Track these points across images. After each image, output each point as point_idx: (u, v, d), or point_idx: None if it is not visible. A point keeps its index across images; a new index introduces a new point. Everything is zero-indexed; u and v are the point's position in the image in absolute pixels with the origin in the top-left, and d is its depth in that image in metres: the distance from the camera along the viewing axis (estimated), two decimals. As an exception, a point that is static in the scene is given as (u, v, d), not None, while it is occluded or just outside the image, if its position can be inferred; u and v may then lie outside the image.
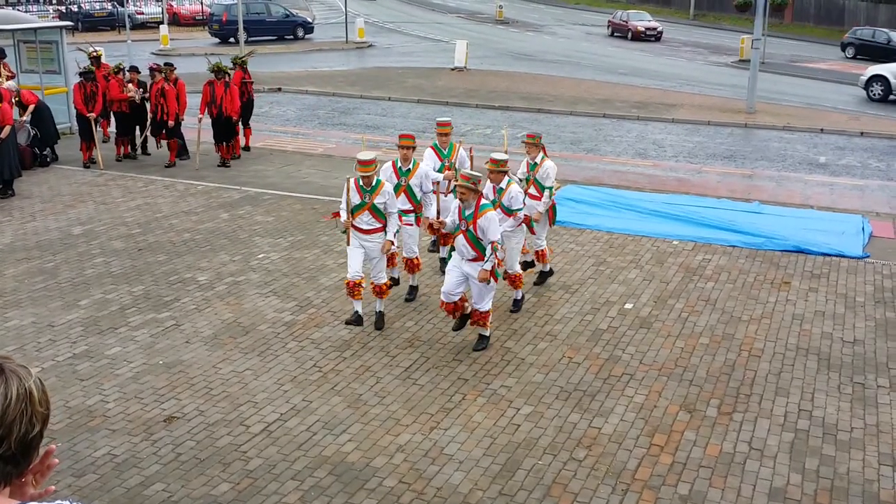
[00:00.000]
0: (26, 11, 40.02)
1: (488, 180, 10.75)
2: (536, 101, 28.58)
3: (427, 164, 11.85)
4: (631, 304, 11.42)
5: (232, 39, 41.26)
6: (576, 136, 23.73)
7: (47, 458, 2.33)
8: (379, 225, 10.43)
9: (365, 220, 10.39)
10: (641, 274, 12.54)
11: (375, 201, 10.31)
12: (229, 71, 18.80)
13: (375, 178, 10.38)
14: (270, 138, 22.59)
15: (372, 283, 10.64)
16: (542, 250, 11.87)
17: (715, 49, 45.28)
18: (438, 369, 9.53)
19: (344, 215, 10.46)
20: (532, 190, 11.62)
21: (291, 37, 46.41)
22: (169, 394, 8.95)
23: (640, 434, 8.27)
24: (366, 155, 10.33)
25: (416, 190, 11.41)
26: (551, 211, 11.80)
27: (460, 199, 9.79)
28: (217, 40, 43.54)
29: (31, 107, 18.28)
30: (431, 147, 12.19)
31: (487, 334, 10.12)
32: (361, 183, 10.32)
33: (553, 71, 36.10)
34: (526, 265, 11.82)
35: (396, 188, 11.11)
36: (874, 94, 30.68)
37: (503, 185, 10.76)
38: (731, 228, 14.56)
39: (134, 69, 19.35)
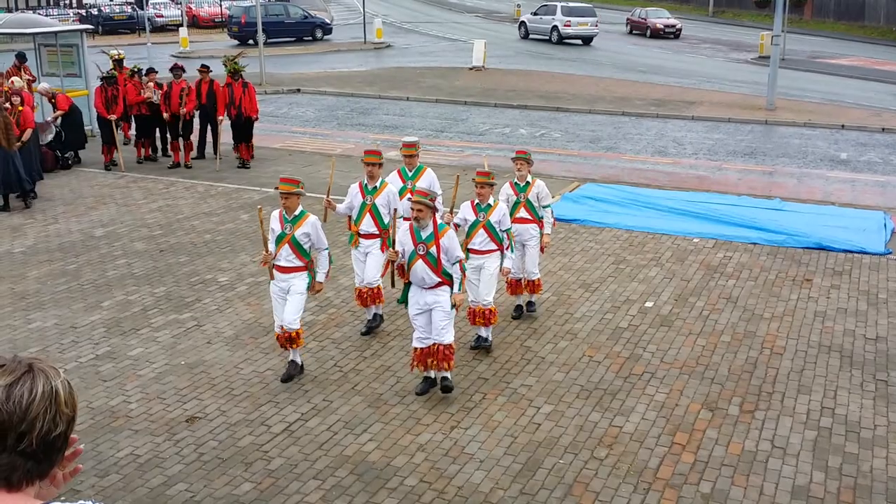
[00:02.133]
0: (47, 15, 40.29)
1: (475, 196, 9.91)
2: (555, 99, 28.53)
3: (391, 188, 10.41)
4: (651, 303, 11.39)
5: (251, 41, 41.36)
6: (595, 135, 23.67)
7: (74, 458, 2.34)
8: (300, 264, 9.10)
9: (283, 256, 9.07)
10: (662, 272, 12.50)
11: (296, 234, 9.00)
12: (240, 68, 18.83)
13: (300, 206, 9.12)
14: (290, 139, 22.66)
15: (282, 331, 9.16)
16: (537, 280, 10.84)
17: (734, 45, 45.06)
18: (458, 368, 9.52)
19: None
20: (523, 213, 10.55)
21: (310, 38, 46.57)
22: (191, 394, 8.99)
23: (662, 432, 8.24)
24: (289, 176, 9.35)
25: (383, 211, 10.12)
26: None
27: (414, 219, 8.65)
28: (236, 42, 43.69)
29: (60, 113, 18.47)
30: (398, 170, 10.91)
31: (450, 377, 8.95)
32: (284, 212, 9.09)
33: (571, 69, 36.03)
34: (518, 309, 10.98)
35: (361, 208, 10.15)
36: None
37: (490, 202, 9.83)
38: (751, 226, 14.49)
39: (152, 71, 19.46)
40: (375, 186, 10.19)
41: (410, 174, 10.78)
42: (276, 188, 9.15)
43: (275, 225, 9.12)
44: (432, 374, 9.00)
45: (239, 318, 10.91)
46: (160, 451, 7.94)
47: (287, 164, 19.29)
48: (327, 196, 10.58)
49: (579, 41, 44.94)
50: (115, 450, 7.95)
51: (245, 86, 18.51)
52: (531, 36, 46.39)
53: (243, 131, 18.83)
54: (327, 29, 47.43)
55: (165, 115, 18.60)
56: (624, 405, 8.76)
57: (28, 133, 16.13)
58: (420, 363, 8.92)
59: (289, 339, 9.14)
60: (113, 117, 18.26)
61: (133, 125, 19.74)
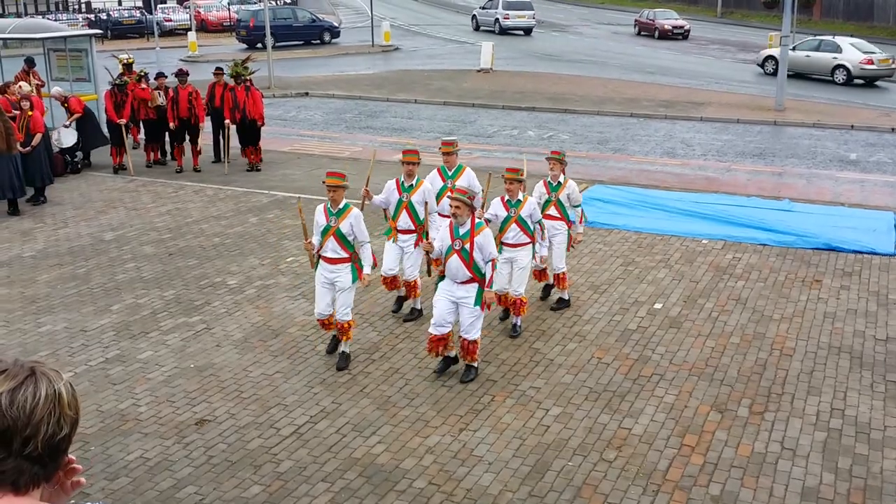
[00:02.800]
0: (56, 20, 40.46)
1: (503, 193, 10.27)
2: (563, 101, 28.52)
3: (427, 185, 10.88)
4: (660, 304, 11.37)
5: (259, 45, 41.70)
6: (603, 136, 23.65)
7: (70, 466, 2.33)
8: (345, 255, 9.45)
9: (330, 247, 9.44)
10: (671, 273, 12.48)
11: (340, 226, 9.35)
12: (247, 75, 18.86)
13: (344, 199, 9.50)
14: (298, 142, 22.70)
15: (335, 322, 9.68)
16: (563, 274, 11.18)
17: (743, 46, 44.96)
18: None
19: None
20: (552, 211, 11.01)
21: (318, 41, 46.66)
22: (200, 397, 9.01)
23: (671, 434, 8.23)
24: (336, 169, 9.73)
25: (419, 208, 10.57)
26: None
27: (453, 216, 9.09)
28: (244, 46, 43.80)
29: (76, 116, 18.58)
30: (437, 169, 11.37)
31: (476, 366, 9.40)
32: (329, 204, 9.48)
33: (579, 71, 36.00)
34: (546, 289, 11.56)
35: (398, 205, 10.58)
36: None
37: (520, 197, 10.19)
38: (761, 227, 14.46)
39: (160, 75, 19.52)
40: (412, 184, 10.62)
41: (451, 173, 11.18)
42: (324, 182, 9.50)
43: (320, 218, 9.48)
44: (453, 353, 9.44)
45: (248, 321, 10.93)
46: (169, 454, 7.96)
47: (295, 167, 19.34)
48: (366, 186, 10.83)
49: (521, 32, 50.03)
50: (124, 453, 7.98)
51: (248, 90, 18.53)
52: (481, 28, 51.66)
53: (249, 135, 18.87)
54: (335, 32, 47.46)
55: (172, 124, 18.61)
56: (633, 407, 8.75)
57: (38, 138, 16.19)
58: (433, 350, 9.32)
59: (341, 331, 9.60)
60: (122, 121, 18.34)
61: (142, 129, 19.79)
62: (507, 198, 10.20)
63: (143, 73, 19.49)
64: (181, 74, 18.76)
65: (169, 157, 19.68)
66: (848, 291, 11.79)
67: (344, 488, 7.42)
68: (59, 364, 9.67)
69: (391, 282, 10.94)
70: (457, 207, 8.96)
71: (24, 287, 12.18)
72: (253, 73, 19.24)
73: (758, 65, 31.29)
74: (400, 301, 11.21)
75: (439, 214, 10.89)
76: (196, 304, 11.49)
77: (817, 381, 9.25)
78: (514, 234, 10.20)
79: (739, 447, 8.00)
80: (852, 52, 33.13)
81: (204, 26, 52.29)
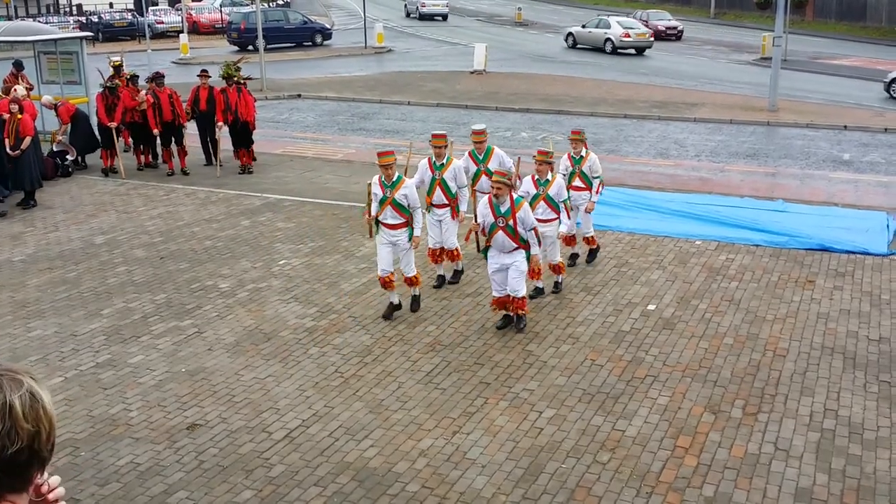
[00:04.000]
0: (47, 23, 40.34)
1: (533, 172, 11.41)
2: (557, 102, 28.51)
3: (457, 163, 12.19)
4: (654, 305, 11.35)
5: (251, 47, 41.71)
6: (596, 137, 23.60)
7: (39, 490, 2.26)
8: (403, 220, 10.76)
9: (389, 214, 10.73)
10: (664, 275, 12.46)
11: (396, 196, 10.62)
12: (238, 75, 18.83)
13: (396, 173, 10.75)
14: (291, 144, 22.64)
15: (404, 277, 11.10)
16: (592, 237, 12.77)
17: (736, 47, 45.02)
18: (460, 373, 9.50)
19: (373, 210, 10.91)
20: (577, 182, 12.43)
21: (310, 43, 46.61)
22: (192, 401, 8.96)
23: (665, 436, 8.20)
24: (385, 150, 10.96)
25: (451, 184, 11.79)
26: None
27: (495, 196, 10.22)
28: (236, 48, 43.73)
29: (65, 127, 18.57)
30: (469, 153, 12.64)
31: (524, 316, 10.62)
32: (383, 178, 10.71)
33: (573, 72, 36.01)
34: (573, 256, 12.77)
35: (432, 183, 11.79)
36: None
37: (549, 177, 11.32)
38: (754, 227, 14.44)
39: (152, 78, 19.45)
40: (443, 163, 11.80)
41: (481, 157, 12.50)
42: (377, 163, 10.70)
43: (376, 190, 10.78)
44: (510, 313, 10.64)
45: (240, 325, 10.88)
46: (161, 459, 7.91)
47: (288, 169, 19.29)
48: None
49: (440, 18, 57.71)
50: (115, 458, 7.92)
51: (240, 91, 18.48)
52: (410, 15, 59.74)
53: (241, 137, 18.82)
54: (327, 34, 47.38)
55: (156, 131, 18.56)
56: (626, 409, 8.72)
57: (27, 141, 16.12)
58: (498, 307, 10.64)
59: (410, 283, 11.13)
60: (112, 124, 18.29)
61: (130, 133, 19.71)
62: (537, 177, 11.36)
63: (133, 76, 19.42)
64: (158, 77, 18.69)
65: (160, 159, 19.62)
66: (841, 292, 11.78)
67: (336, 492, 7.38)
68: (50, 369, 9.63)
69: (439, 254, 11.96)
70: (498, 188, 10.14)
71: (14, 291, 12.11)
72: (247, 78, 19.16)
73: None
74: (440, 279, 12.16)
75: (480, 192, 12.02)
76: (187, 308, 11.44)
77: (810, 382, 9.23)
78: (542, 210, 11.27)
79: (733, 448, 7.98)
80: (616, 28, 42.67)
81: (196, 28, 52.18)
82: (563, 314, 11.13)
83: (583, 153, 12.47)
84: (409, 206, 10.74)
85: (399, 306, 11.10)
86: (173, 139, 18.91)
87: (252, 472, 7.69)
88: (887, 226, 14.53)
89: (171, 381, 9.40)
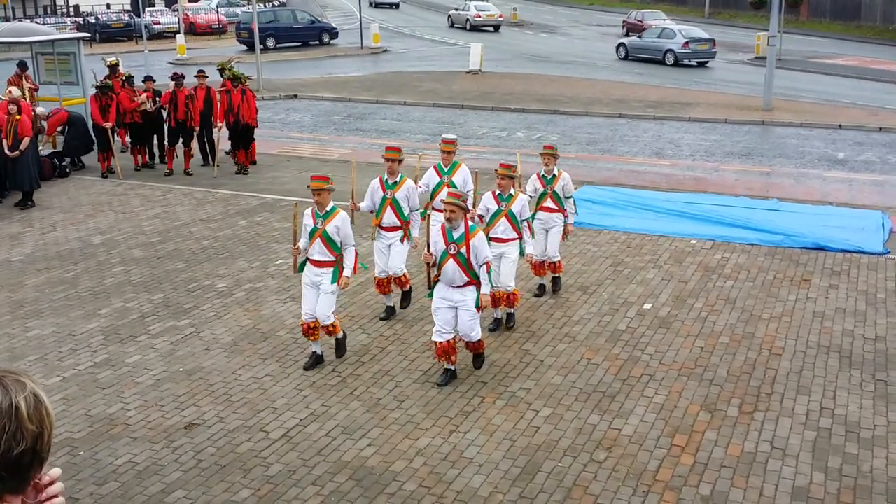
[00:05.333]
0: (44, 24, 40.30)
1: (494, 188, 10.39)
2: (552, 102, 28.54)
3: (424, 181, 11.38)
4: (650, 305, 11.38)
5: (260, 46, 42.14)
6: (592, 137, 23.67)
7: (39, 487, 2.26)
8: (331, 258, 9.47)
9: (317, 249, 9.48)
10: (660, 274, 12.50)
11: (327, 228, 9.39)
12: (244, 78, 18.87)
13: (331, 203, 9.50)
14: (287, 145, 22.66)
15: (320, 325, 9.60)
16: (558, 262, 11.61)
17: (731, 47, 45.02)
18: (457, 372, 9.51)
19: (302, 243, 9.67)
20: (549, 202, 11.33)
21: (317, 42, 47.27)
22: (189, 401, 8.98)
23: (661, 435, 8.23)
24: (321, 173, 9.74)
25: (404, 204, 10.69)
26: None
27: (447, 220, 9.01)
28: (245, 48, 43.90)
29: (57, 128, 18.66)
30: (434, 166, 11.51)
31: (483, 354, 9.66)
32: (316, 208, 9.49)
33: (568, 72, 36.05)
34: (541, 288, 11.72)
35: (382, 202, 10.67)
36: None
37: (511, 192, 10.31)
38: (749, 226, 14.48)
39: (149, 79, 19.45)
40: (395, 181, 10.71)
41: (447, 169, 11.34)
42: (308, 186, 9.56)
43: (307, 220, 9.53)
44: (453, 367, 9.38)
45: (237, 325, 10.90)
46: (158, 459, 7.93)
47: (284, 169, 19.30)
48: (352, 198, 11.04)
49: (391, 6, 61.59)
50: (113, 457, 7.94)
51: (244, 93, 18.49)
52: (372, 4, 61.86)
53: (242, 138, 18.82)
54: (334, 33, 48.06)
55: (170, 122, 18.60)
56: (623, 407, 8.75)
57: (26, 142, 16.13)
58: (442, 356, 9.26)
59: (327, 332, 9.65)
60: (108, 125, 18.28)
61: (128, 133, 19.71)
62: (498, 192, 10.32)
63: (128, 76, 19.41)
64: (177, 78, 18.66)
65: (158, 160, 19.63)
66: (837, 291, 11.82)
67: (334, 491, 7.40)
68: (48, 369, 9.64)
69: (386, 284, 10.96)
70: (451, 211, 8.91)
71: (13, 291, 12.12)
72: (243, 75, 19.16)
73: None
74: (389, 310, 11.15)
75: (434, 209, 10.94)
76: (185, 308, 11.45)
77: (806, 381, 9.26)
78: (502, 228, 10.32)
79: (729, 447, 8.01)
80: (472, 10, 51.58)
81: (192, 29, 52.14)
82: (560, 313, 11.16)
83: (555, 171, 11.32)
84: (340, 242, 9.43)
85: (321, 358, 9.78)
86: (181, 140, 18.89)
87: (250, 472, 7.71)
88: (882, 224, 14.58)
89: (169, 381, 9.41)
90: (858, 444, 8.04)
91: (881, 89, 32.16)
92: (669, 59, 38.06)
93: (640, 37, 41.75)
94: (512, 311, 10.67)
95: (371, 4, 51.54)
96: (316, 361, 9.73)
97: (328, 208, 9.43)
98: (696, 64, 38.58)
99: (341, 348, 9.95)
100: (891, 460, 7.76)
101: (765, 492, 7.33)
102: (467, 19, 52.86)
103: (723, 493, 7.32)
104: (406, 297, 11.32)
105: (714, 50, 38.41)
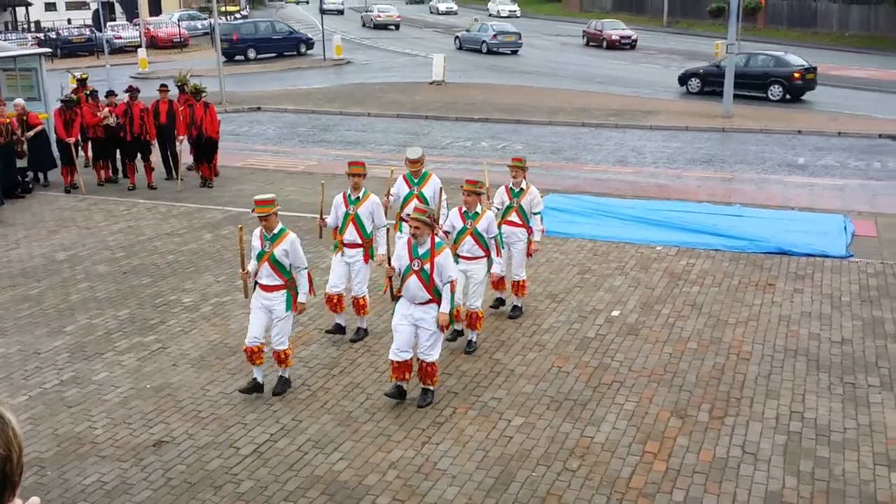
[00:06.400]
0: (5, 40, 39.83)
1: (460, 203, 10.21)
2: (515, 111, 28.65)
3: (394, 191, 11.15)
4: (618, 312, 11.43)
5: (240, 57, 44.48)
6: (555, 146, 23.78)
7: None
8: (280, 282, 9.11)
9: (265, 273, 9.11)
10: (627, 281, 12.56)
11: (275, 251, 9.01)
12: (201, 88, 18.75)
13: (279, 224, 9.13)
14: (251, 157, 22.53)
15: (273, 351, 9.31)
16: (523, 282, 11.24)
17: (690, 55, 45.49)
18: (428, 383, 9.47)
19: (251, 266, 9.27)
20: (514, 217, 11.01)
21: (294, 52, 47.64)
22: (157, 418, 8.87)
23: (633, 441, 8.25)
24: (264, 195, 9.18)
25: (366, 221, 10.34)
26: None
27: (413, 235, 8.75)
28: (224, 59, 43.71)
29: (38, 128, 18.36)
30: (403, 176, 11.26)
31: (433, 389, 9.13)
32: (264, 231, 9.10)
33: (530, 82, 36.22)
34: (498, 301, 11.52)
35: (345, 218, 10.34)
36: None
37: (478, 210, 10.08)
38: (713, 232, 14.61)
39: (111, 93, 19.26)
40: (359, 197, 10.37)
41: (416, 180, 11.09)
42: (253, 210, 9.13)
43: (255, 243, 9.14)
44: (405, 385, 9.06)
45: (204, 339, 10.80)
46: (127, 478, 7.81)
47: (249, 182, 19.18)
48: (320, 215, 10.83)
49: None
50: (81, 477, 7.82)
51: (206, 106, 18.38)
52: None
53: (205, 151, 18.70)
54: (310, 44, 48.35)
55: (112, 120, 18.38)
56: (594, 415, 8.76)
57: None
58: (397, 376, 8.99)
59: (278, 360, 9.31)
60: (71, 140, 18.07)
61: (90, 148, 19.51)
62: (464, 209, 10.12)
63: (92, 91, 19.21)
64: (132, 91, 18.53)
65: (121, 174, 19.44)
66: (801, 294, 11.94)
67: (307, 506, 7.33)
68: (13, 388, 9.48)
69: (337, 302, 10.57)
70: (416, 227, 8.65)
71: (-26, 310, 11.92)
72: (205, 88, 19.03)
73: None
74: (338, 327, 10.79)
75: (404, 220, 10.70)
76: (151, 324, 11.33)
77: (775, 385, 9.34)
78: (468, 246, 10.12)
79: (701, 452, 8.05)
80: (375, 10, 58.44)
81: (154, 43, 51.76)
82: (529, 322, 11.17)
83: (523, 185, 11.00)
84: (289, 265, 9.06)
85: (261, 387, 9.27)
86: (139, 154, 18.72)
87: (220, 489, 7.62)
88: (845, 228, 14.77)
89: (137, 398, 9.29)
90: (829, 447, 8.11)
91: (839, 94, 32.61)
92: (484, 49, 47.47)
93: (468, 31, 50.58)
94: (473, 337, 10.36)
95: (320, 11, 51.77)
96: (254, 388, 9.20)
97: (276, 231, 9.02)
98: (509, 52, 47.33)
99: (283, 385, 9.37)
100: (862, 463, 7.84)
101: (738, 497, 7.36)
102: (371, 19, 63.30)
103: (696, 499, 7.35)
104: (358, 333, 10.77)
105: (520, 42, 47.46)
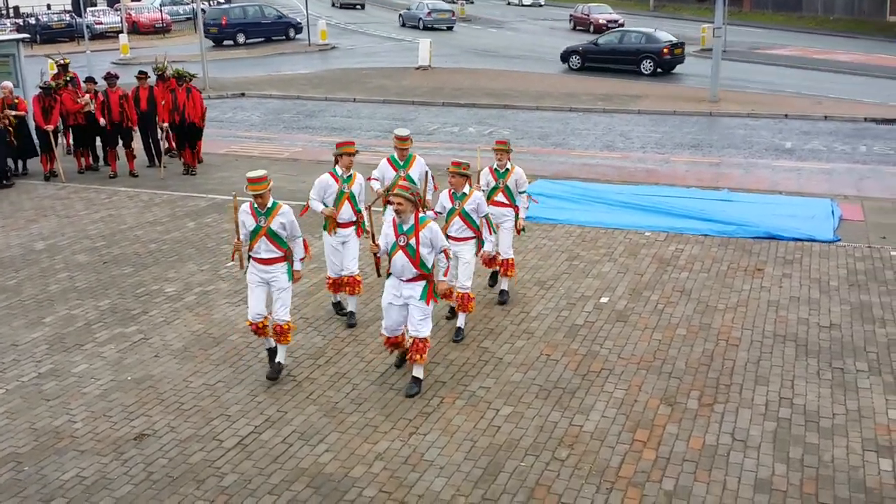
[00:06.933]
0: (-18, 25, 39.38)
1: (448, 186, 10.13)
2: (502, 97, 28.49)
3: (378, 174, 10.98)
4: (606, 298, 11.31)
5: (228, 42, 44.45)
6: (543, 131, 23.64)
7: None
8: (279, 254, 9.12)
9: (262, 247, 9.07)
10: (615, 267, 12.44)
11: (272, 225, 8.98)
12: (189, 76, 18.55)
13: (271, 199, 9.04)
14: (236, 144, 22.31)
15: (274, 324, 9.27)
16: (511, 260, 11.20)
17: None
18: (415, 373, 9.35)
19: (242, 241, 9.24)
20: (500, 197, 11.02)
21: (283, 37, 47.29)
22: (138, 410, 8.71)
23: (622, 430, 8.14)
24: (256, 172, 8.97)
25: (358, 198, 10.45)
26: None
27: (396, 213, 8.76)
28: (211, 44, 43.44)
29: (22, 114, 18.12)
30: (387, 159, 11.10)
31: (422, 377, 9.05)
32: (256, 206, 9.00)
33: (517, 66, 36.04)
34: (493, 276, 11.60)
35: (339, 196, 10.32)
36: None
37: (465, 190, 10.10)
38: (702, 217, 14.51)
39: (90, 80, 18.99)
40: (350, 175, 10.41)
41: (402, 163, 10.96)
42: (247, 188, 8.97)
43: (247, 219, 9.04)
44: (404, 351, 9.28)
45: (187, 330, 10.63)
46: (107, 472, 7.66)
47: (233, 169, 18.97)
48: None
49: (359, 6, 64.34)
50: (60, 472, 7.65)
51: (189, 91, 18.16)
52: (335, 4, 65.02)
53: (187, 137, 18.48)
54: (298, 28, 47.83)
55: (102, 121, 18.16)
56: (583, 403, 8.65)
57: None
58: (391, 349, 9.35)
59: (279, 333, 9.26)
60: (50, 127, 17.83)
61: (71, 135, 19.26)
62: (452, 191, 10.13)
63: (71, 78, 18.94)
64: (110, 78, 18.30)
65: (102, 162, 19.20)
66: (790, 279, 11.86)
67: (291, 500, 7.20)
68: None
69: (340, 285, 10.65)
70: (399, 204, 8.68)
71: (-48, 302, 11.73)
72: (188, 74, 18.77)
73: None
74: (338, 306, 10.99)
75: (390, 203, 10.49)
76: (133, 314, 11.15)
77: (764, 371, 9.25)
78: (457, 227, 10.14)
79: (691, 440, 7.95)
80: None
81: (136, 28, 51.27)
82: (517, 309, 11.04)
83: (508, 166, 11.04)
84: (287, 236, 9.08)
85: (275, 351, 9.42)
86: (121, 141, 18.49)
87: (203, 483, 7.48)
88: (832, 212, 14.70)
89: (117, 391, 9.13)
90: (818, 433, 8.02)
91: (824, 78, 32.59)
92: (420, 25, 50.46)
93: (408, 10, 52.92)
94: (462, 324, 10.28)
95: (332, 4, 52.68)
96: (272, 360, 9.36)
97: (269, 205, 8.98)
98: (444, 28, 50.65)
99: (276, 370, 9.29)
100: (851, 449, 7.76)
101: (728, 485, 7.27)
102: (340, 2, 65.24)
103: (686, 487, 7.25)
104: (352, 316, 10.74)
105: (454, 19, 51.52)
